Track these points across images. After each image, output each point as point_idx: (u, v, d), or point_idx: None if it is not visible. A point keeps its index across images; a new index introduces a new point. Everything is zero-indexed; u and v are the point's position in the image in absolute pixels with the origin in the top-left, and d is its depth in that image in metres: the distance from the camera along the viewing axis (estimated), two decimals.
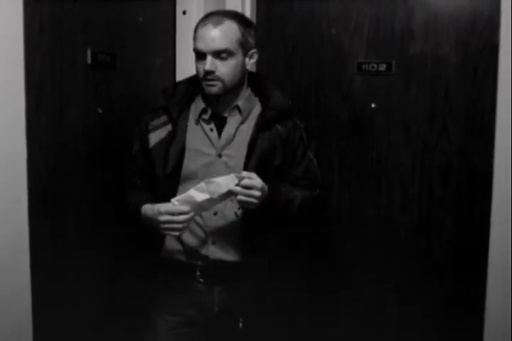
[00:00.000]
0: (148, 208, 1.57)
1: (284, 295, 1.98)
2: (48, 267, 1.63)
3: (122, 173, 1.73)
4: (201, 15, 1.67)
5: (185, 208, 1.48)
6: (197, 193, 1.47)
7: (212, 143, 1.63)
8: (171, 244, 1.64)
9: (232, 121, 1.65)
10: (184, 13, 2.12)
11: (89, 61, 1.75)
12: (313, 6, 2.24)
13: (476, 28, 2.04)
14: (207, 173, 1.59)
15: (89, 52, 1.74)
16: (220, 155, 1.62)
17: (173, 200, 1.49)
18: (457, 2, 2.06)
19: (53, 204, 1.66)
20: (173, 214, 1.48)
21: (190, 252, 1.63)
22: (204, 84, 1.59)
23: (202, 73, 1.58)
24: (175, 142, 1.63)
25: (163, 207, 1.50)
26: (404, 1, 2.12)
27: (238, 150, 1.62)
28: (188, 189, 1.52)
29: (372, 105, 2.18)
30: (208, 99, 1.65)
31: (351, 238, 2.27)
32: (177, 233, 1.51)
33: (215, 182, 1.46)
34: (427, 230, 2.16)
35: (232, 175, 1.47)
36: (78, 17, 1.70)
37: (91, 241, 1.81)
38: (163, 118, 1.67)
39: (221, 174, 1.55)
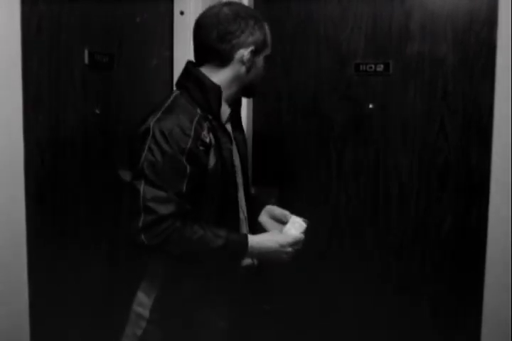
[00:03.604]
0: (262, 239, 1.53)
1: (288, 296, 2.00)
2: (46, 266, 1.63)
3: (149, 209, 1.36)
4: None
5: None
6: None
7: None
8: None
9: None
10: (182, 13, 2.12)
11: (86, 61, 1.75)
12: (310, 7, 2.24)
13: (474, 28, 2.04)
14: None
15: (86, 52, 1.74)
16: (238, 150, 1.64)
17: (300, 233, 1.59)
18: (454, 2, 2.07)
19: (50, 204, 1.66)
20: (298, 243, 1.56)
21: None
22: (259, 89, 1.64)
23: (260, 77, 1.61)
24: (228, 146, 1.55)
25: (290, 238, 1.55)
26: (401, 1, 2.12)
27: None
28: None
29: (370, 105, 2.19)
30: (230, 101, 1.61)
31: (349, 237, 2.27)
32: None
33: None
34: (425, 229, 2.16)
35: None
36: (76, 17, 1.70)
37: (88, 241, 1.81)
38: (207, 124, 1.48)
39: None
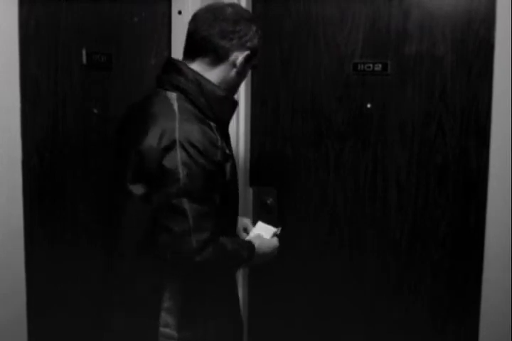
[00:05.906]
0: (260, 245, 1.57)
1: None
2: (43, 266, 1.63)
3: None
4: None
5: None
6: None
7: None
8: None
9: None
10: (180, 13, 2.12)
11: (84, 61, 1.75)
12: (309, 6, 2.24)
13: (472, 28, 2.04)
14: None
15: (84, 52, 1.75)
16: None
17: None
18: (453, 2, 2.06)
19: (48, 204, 1.66)
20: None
21: None
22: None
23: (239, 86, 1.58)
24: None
25: (275, 241, 1.64)
26: (400, 0, 2.12)
27: None
28: None
29: (368, 105, 2.18)
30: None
31: (347, 238, 2.26)
32: None
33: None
34: (422, 230, 2.16)
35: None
36: (73, 17, 1.71)
37: (86, 241, 1.81)
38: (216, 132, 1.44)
39: None
